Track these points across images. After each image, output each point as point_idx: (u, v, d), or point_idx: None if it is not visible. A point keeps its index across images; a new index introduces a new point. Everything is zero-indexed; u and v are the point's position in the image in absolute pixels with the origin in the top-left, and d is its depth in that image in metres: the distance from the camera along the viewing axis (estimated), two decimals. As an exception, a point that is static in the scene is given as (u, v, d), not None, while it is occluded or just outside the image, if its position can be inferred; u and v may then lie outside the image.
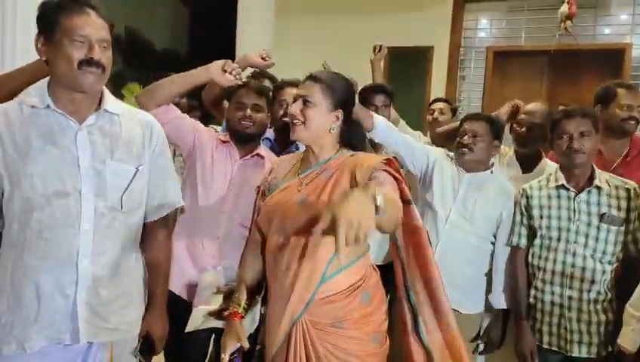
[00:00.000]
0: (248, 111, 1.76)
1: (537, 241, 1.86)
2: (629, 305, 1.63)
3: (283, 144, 2.09)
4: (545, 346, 1.85)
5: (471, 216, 1.94)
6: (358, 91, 2.07)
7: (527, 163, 2.26)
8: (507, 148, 2.38)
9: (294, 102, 1.37)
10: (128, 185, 1.30)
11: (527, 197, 1.90)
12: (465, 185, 1.98)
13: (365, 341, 1.32)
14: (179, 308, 1.59)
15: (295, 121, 1.36)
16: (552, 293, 1.82)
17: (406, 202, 1.33)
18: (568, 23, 4.19)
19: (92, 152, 1.26)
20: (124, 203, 1.30)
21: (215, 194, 1.74)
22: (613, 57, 4.27)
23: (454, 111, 3.34)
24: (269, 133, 2.14)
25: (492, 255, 1.99)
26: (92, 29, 1.22)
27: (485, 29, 4.53)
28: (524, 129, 2.23)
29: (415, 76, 4.51)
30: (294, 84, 2.13)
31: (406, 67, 4.48)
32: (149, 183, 1.37)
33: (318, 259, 1.29)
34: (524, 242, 1.91)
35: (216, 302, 1.55)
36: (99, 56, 1.22)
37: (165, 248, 1.46)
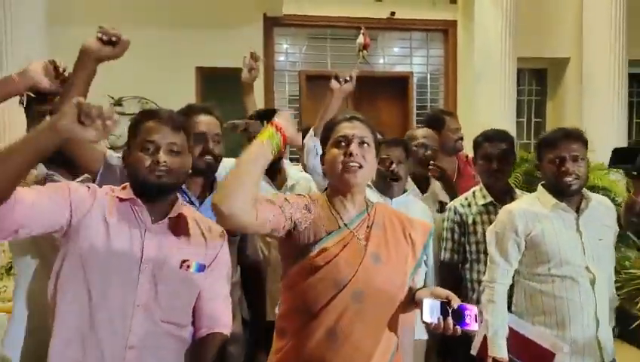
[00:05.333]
0: (161, 154, 1.20)
1: (474, 256, 1.93)
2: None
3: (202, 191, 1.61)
4: None
5: None
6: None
7: (424, 184, 2.29)
8: None
9: (352, 143, 1.22)
10: None
11: (461, 215, 1.96)
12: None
13: None
14: None
15: (353, 165, 1.22)
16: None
17: None
18: (365, 52, 4.71)
19: None
20: None
21: (120, 280, 1.17)
22: (400, 84, 4.94)
23: None
24: None
25: None
26: None
27: (294, 53, 4.70)
28: (429, 152, 2.26)
29: (230, 99, 4.35)
30: (207, 110, 1.65)
31: (221, 89, 4.27)
32: None
33: (392, 332, 1.21)
34: (456, 258, 1.96)
35: None
36: None
37: None
